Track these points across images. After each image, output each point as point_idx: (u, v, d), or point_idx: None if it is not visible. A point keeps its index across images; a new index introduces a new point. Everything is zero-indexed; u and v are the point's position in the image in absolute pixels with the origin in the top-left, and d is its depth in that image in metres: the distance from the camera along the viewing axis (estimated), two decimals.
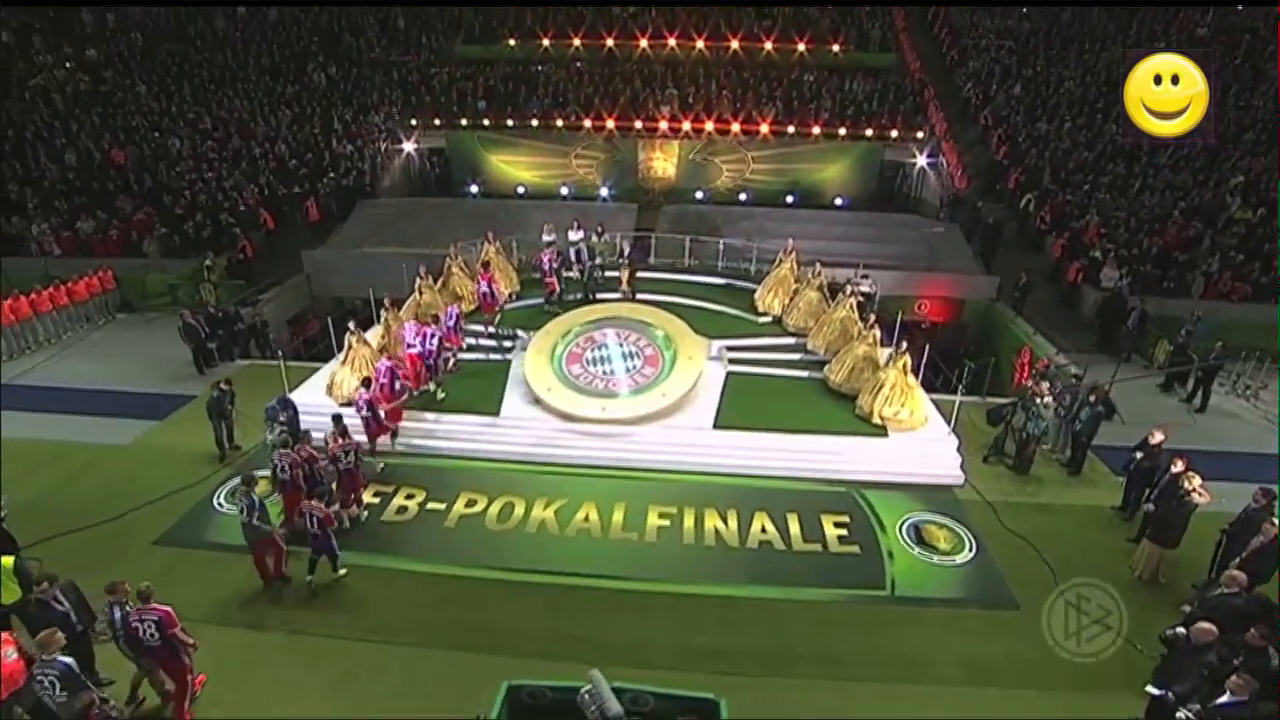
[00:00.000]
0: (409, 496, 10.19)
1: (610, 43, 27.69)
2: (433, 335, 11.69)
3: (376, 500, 10.06)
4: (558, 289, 14.58)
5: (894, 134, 22.26)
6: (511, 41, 28.33)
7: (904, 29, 27.29)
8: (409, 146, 23.93)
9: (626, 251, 14.89)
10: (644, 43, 27.33)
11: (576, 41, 27.87)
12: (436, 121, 24.08)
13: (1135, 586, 8.50)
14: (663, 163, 23.49)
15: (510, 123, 23.81)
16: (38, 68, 26.00)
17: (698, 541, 9.34)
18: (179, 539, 9.29)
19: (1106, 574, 8.82)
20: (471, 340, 13.47)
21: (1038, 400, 10.63)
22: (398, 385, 10.72)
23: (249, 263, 18.18)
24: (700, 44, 26.86)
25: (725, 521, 9.69)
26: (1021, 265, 17.20)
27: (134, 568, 7.94)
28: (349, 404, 10.90)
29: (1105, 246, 16.81)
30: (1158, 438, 9.61)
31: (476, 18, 29.47)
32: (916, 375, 11.57)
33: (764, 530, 9.51)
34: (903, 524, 9.71)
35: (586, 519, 9.73)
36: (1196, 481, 8.52)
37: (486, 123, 23.94)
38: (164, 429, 11.96)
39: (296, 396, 11.38)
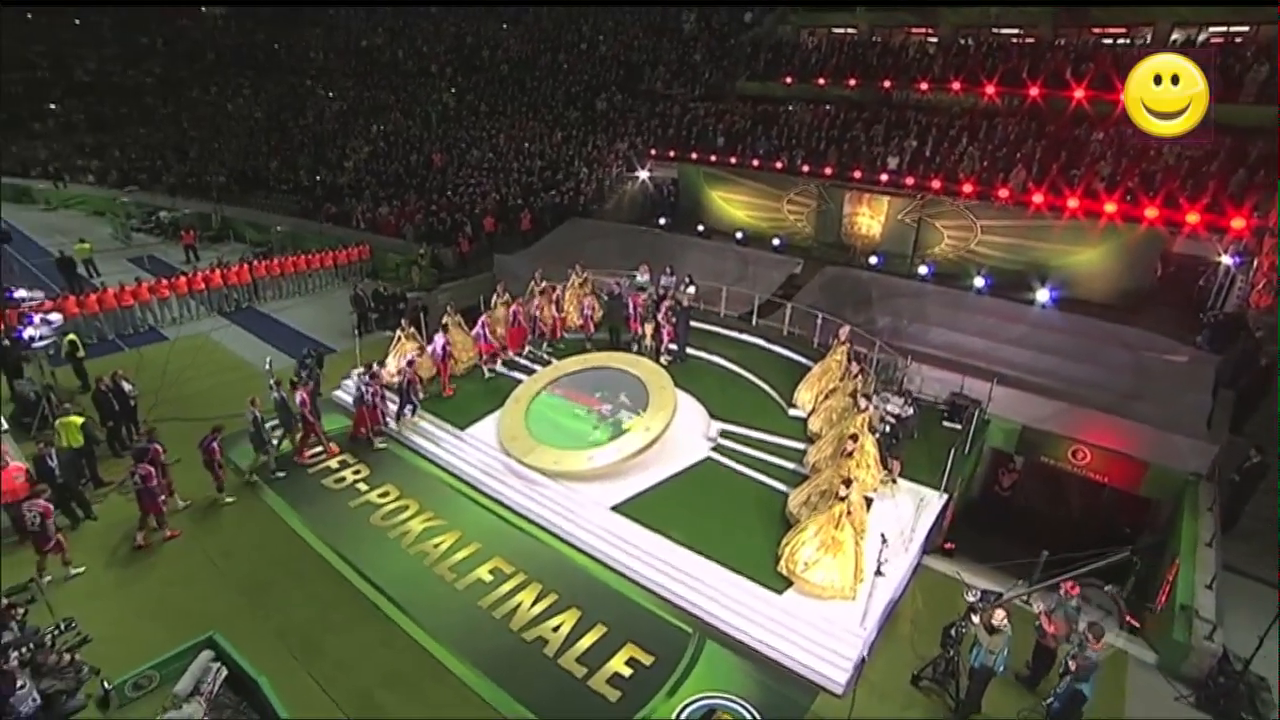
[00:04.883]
0: (356, 472, 11.95)
1: (887, 84, 25.54)
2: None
3: (336, 466, 12.07)
4: (591, 330, 15.13)
5: (1192, 217, 15.85)
6: (788, 80, 28.17)
7: None
8: (643, 174, 25.87)
9: (683, 304, 14.11)
10: (924, 86, 24.54)
11: (851, 82, 26.41)
12: (671, 154, 25.47)
13: None
14: (868, 219, 20.89)
15: (733, 161, 23.91)
16: (438, 92, 35.28)
17: (492, 609, 9.03)
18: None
19: None
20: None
21: (978, 625, 7.29)
22: (522, 322, 14.78)
23: (463, 256, 22.25)
24: (990, 89, 22.92)
25: (537, 602, 9.13)
26: None
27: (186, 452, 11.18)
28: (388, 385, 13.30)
29: None
30: None
31: (766, 55, 29.92)
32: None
33: (556, 629, 8.70)
34: (699, 699, 7.82)
35: (438, 545, 10.19)
36: None
37: (713, 159, 24.43)
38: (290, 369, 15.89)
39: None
